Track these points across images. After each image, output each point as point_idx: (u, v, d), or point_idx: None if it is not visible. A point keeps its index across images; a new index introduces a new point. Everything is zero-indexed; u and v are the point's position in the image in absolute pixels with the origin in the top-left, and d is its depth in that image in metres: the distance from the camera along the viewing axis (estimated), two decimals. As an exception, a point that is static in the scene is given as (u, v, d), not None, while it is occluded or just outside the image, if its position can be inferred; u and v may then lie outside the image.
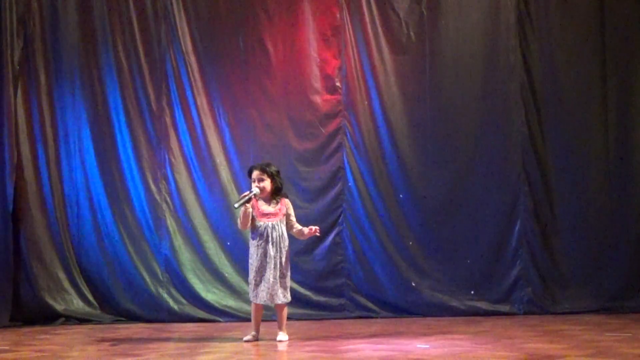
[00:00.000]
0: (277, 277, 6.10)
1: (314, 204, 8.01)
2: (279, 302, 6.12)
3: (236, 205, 6.10)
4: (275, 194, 6.23)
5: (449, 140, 8.13)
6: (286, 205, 6.26)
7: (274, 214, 6.18)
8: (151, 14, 8.09)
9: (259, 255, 6.11)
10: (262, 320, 6.34)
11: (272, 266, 6.09)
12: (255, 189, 6.14)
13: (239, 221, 6.19)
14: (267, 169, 6.21)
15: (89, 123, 8.03)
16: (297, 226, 6.29)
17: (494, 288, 8.02)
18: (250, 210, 6.13)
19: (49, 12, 8.04)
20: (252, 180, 6.21)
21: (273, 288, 6.08)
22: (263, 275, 6.09)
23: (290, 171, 7.99)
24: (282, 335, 6.16)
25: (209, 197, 8.04)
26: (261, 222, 6.15)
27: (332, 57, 8.15)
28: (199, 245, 8.00)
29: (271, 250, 6.10)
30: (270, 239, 6.12)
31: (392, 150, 8.12)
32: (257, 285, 6.10)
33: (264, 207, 6.20)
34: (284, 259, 6.15)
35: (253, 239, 6.19)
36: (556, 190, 8.13)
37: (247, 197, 6.08)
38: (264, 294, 6.08)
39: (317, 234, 6.37)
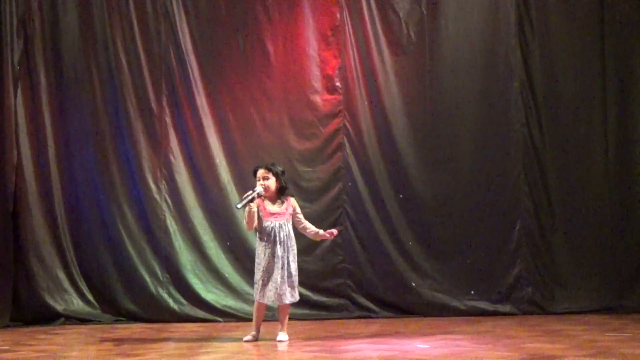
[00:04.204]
0: (285, 277, 6.08)
1: (314, 204, 8.00)
2: (287, 301, 6.10)
3: (239, 205, 6.04)
4: (280, 194, 6.22)
5: (449, 140, 8.14)
6: (292, 204, 6.25)
7: (281, 214, 6.16)
8: (151, 14, 8.09)
9: (266, 255, 6.09)
10: (262, 320, 6.33)
11: (280, 266, 6.07)
12: (259, 188, 6.10)
13: (244, 222, 6.15)
14: (272, 168, 6.20)
15: (89, 123, 8.03)
16: (309, 225, 6.28)
17: (494, 288, 8.02)
18: (255, 210, 6.10)
19: (49, 12, 8.03)
20: (257, 179, 6.17)
21: (281, 288, 6.06)
22: (271, 276, 6.07)
23: (290, 171, 7.97)
24: (283, 335, 6.16)
25: (209, 197, 8.04)
26: (268, 222, 6.12)
27: (332, 57, 8.15)
28: (199, 245, 8.00)
29: (279, 250, 6.09)
30: (277, 238, 6.10)
31: (392, 150, 8.13)
32: (264, 285, 6.07)
33: (270, 206, 6.18)
34: (291, 258, 6.14)
35: (260, 239, 6.15)
36: (556, 190, 8.14)
37: (250, 197, 6.04)
38: (272, 294, 6.06)
39: (333, 237, 6.41)
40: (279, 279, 6.06)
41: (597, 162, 8.17)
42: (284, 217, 6.17)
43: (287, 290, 6.08)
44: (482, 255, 8.05)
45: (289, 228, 6.18)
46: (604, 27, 8.20)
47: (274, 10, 8.14)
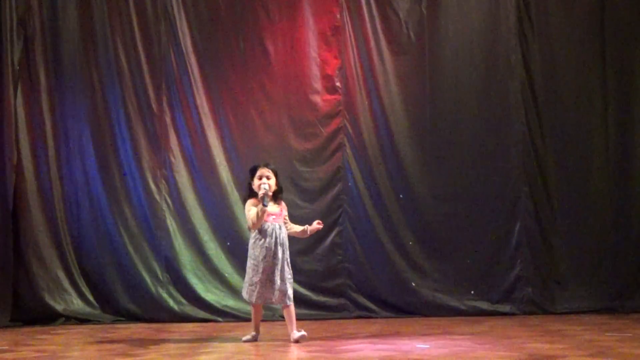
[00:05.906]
0: (285, 278, 6.03)
1: (314, 204, 8.01)
2: (289, 302, 6.03)
3: (267, 205, 5.87)
4: (277, 194, 6.15)
5: (448, 140, 8.14)
6: (284, 206, 6.21)
7: (279, 215, 6.10)
8: (151, 14, 8.09)
9: (266, 257, 5.98)
10: (262, 321, 6.32)
11: (280, 267, 6.02)
12: (267, 187, 5.93)
13: (251, 222, 5.99)
14: (273, 167, 6.12)
15: (89, 123, 8.03)
16: (294, 226, 6.20)
17: (494, 288, 8.02)
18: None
19: (49, 12, 8.04)
20: (259, 177, 6.02)
21: (282, 288, 6.00)
22: (272, 277, 5.99)
23: (290, 171, 7.99)
24: (298, 333, 5.99)
25: (209, 197, 8.04)
26: (268, 223, 6.04)
27: (332, 57, 8.15)
28: (199, 246, 8.00)
29: (279, 252, 6.03)
30: (278, 240, 6.02)
31: (392, 150, 8.13)
32: (263, 286, 5.98)
33: (269, 207, 6.04)
34: (288, 260, 6.11)
35: (259, 239, 6.03)
36: (556, 190, 8.14)
37: (269, 195, 5.92)
38: (274, 295, 5.97)
39: (320, 227, 6.20)
40: (279, 281, 6.01)
41: (597, 162, 8.17)
42: (281, 218, 6.13)
43: (289, 291, 6.04)
44: (482, 255, 8.05)
45: (284, 229, 6.13)
46: (604, 27, 8.20)
47: (274, 10, 8.15)
